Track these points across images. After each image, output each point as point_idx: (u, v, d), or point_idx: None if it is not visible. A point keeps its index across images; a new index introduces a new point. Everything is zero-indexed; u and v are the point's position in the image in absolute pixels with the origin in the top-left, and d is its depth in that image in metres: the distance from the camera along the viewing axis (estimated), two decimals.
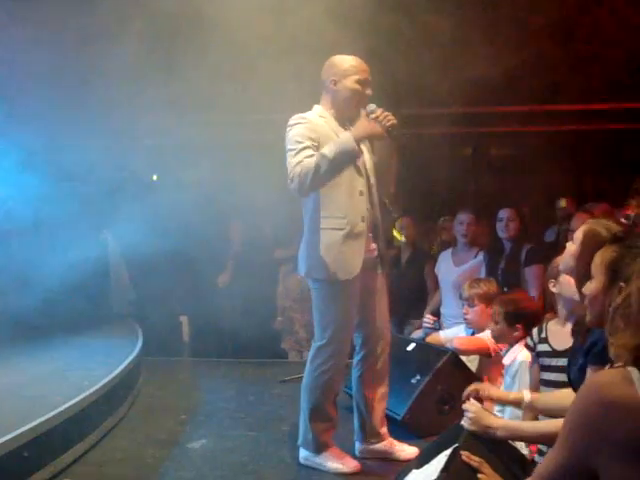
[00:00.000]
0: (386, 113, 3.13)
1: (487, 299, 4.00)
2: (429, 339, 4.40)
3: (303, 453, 3.30)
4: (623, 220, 3.04)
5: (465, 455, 2.24)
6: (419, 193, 7.26)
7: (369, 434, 3.40)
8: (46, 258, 5.05)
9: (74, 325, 5.63)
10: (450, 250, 5.07)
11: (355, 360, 3.42)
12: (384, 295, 3.37)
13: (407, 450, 3.37)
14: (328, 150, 2.98)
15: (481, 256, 4.89)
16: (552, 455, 1.38)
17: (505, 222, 4.72)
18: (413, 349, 4.03)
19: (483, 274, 4.79)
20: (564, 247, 2.85)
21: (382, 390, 3.39)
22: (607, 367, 1.83)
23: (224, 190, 5.62)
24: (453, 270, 4.94)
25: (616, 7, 5.74)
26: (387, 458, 3.37)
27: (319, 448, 3.24)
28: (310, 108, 3.27)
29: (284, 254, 6.21)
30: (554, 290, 2.98)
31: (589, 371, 2.08)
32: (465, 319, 4.09)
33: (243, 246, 6.26)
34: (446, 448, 2.43)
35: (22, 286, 5.14)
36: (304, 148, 3.03)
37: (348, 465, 3.22)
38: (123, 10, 4.51)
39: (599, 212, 4.54)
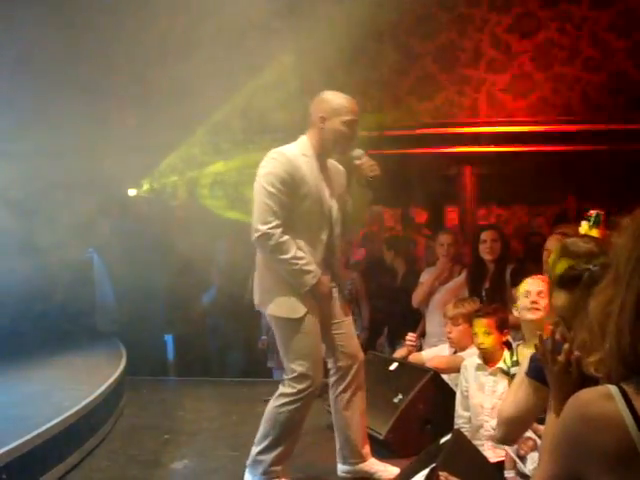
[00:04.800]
0: (371, 162, 3.14)
1: (471, 319, 4.02)
2: (411, 358, 4.42)
3: (249, 477, 3.20)
4: (583, 222, 3.06)
5: (443, 476, 2.25)
6: (403, 213, 7.34)
7: (350, 455, 3.39)
8: (31, 277, 5.03)
9: (58, 344, 5.60)
10: (433, 268, 5.10)
11: (330, 382, 3.43)
12: (347, 317, 3.37)
13: (389, 470, 3.36)
14: (293, 266, 3.03)
15: (464, 274, 4.93)
16: (542, 471, 1.42)
17: (489, 244, 4.75)
18: (395, 368, 4.04)
19: (466, 293, 4.83)
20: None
21: (361, 409, 3.38)
22: None
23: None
24: (437, 288, 4.97)
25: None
26: (369, 479, 3.36)
27: (270, 477, 3.15)
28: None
29: None
30: (515, 314, 3.06)
31: (525, 380, 2.10)
32: (448, 338, 4.11)
33: (228, 265, 6.27)
34: (425, 467, 2.45)
35: (7, 305, 5.12)
36: (277, 202, 3.02)
37: None
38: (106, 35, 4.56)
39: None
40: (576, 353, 1.65)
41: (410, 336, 4.42)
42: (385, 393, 3.86)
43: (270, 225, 3.01)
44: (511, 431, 2.04)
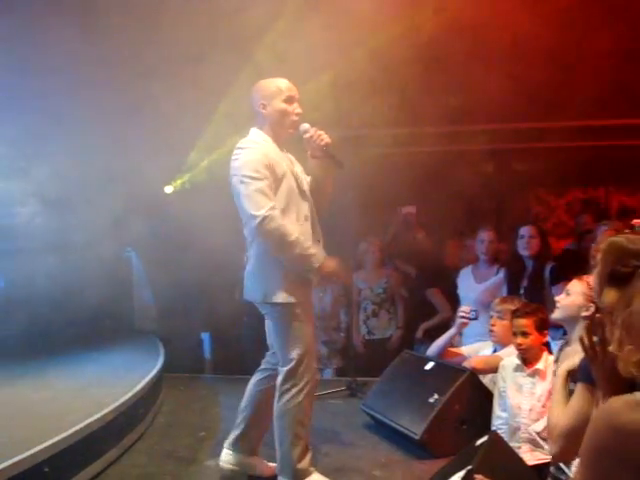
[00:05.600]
0: (320, 132, 3.17)
1: None
2: (450, 351, 4.36)
3: None
4: (627, 231, 3.01)
5: (479, 478, 2.22)
6: (441, 210, 7.25)
7: (247, 447, 3.39)
8: (70, 275, 5.14)
9: (97, 341, 5.72)
10: (470, 267, 5.04)
11: (261, 375, 3.42)
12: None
13: (270, 466, 3.37)
14: (299, 249, 3.03)
15: (502, 273, 4.86)
16: (576, 477, 1.41)
17: (527, 240, 4.67)
18: (431, 368, 4.01)
19: (504, 291, 4.75)
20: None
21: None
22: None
23: None
24: (475, 287, 4.91)
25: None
26: (251, 473, 3.38)
27: (299, 476, 3.15)
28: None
29: None
30: (554, 316, 3.02)
31: (578, 386, 2.04)
32: (491, 330, 4.02)
33: None
34: (460, 469, 2.42)
35: (47, 303, 5.24)
36: (266, 185, 3.03)
37: None
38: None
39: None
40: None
41: (464, 307, 4.27)
42: (420, 393, 3.83)
43: (267, 207, 3.00)
44: (571, 444, 1.84)
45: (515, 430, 3.33)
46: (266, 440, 3.41)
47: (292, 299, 3.11)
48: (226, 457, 3.39)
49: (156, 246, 6.18)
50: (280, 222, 3.01)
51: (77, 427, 3.31)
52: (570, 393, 2.06)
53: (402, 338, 5.71)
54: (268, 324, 3.28)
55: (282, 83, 3.22)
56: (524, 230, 4.70)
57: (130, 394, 4.00)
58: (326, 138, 3.17)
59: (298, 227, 3.13)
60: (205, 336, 6.64)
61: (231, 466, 3.37)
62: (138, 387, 4.18)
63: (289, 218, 3.11)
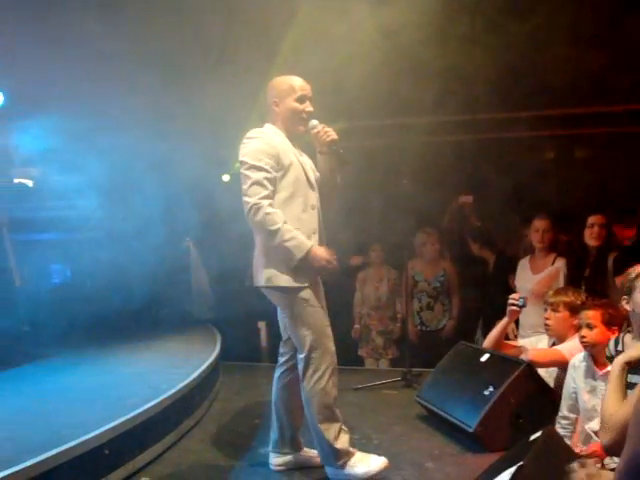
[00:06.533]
0: (327, 129, 3.21)
1: (573, 308, 3.82)
2: (510, 342, 4.27)
3: (330, 471, 3.22)
4: None
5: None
6: (501, 199, 7.09)
7: (289, 445, 3.39)
8: (130, 265, 5.29)
9: (156, 329, 5.88)
10: (528, 257, 4.92)
11: (280, 371, 3.41)
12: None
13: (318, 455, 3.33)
14: (278, 240, 3.02)
15: (559, 263, 4.73)
16: (624, 452, 1.39)
17: (597, 229, 4.53)
18: (487, 360, 3.93)
19: (561, 281, 4.62)
20: None
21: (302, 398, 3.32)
22: None
23: None
24: (531, 277, 4.80)
25: None
26: (305, 467, 3.38)
27: (341, 457, 3.17)
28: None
29: (360, 261, 6.23)
30: (627, 307, 2.88)
31: None
32: (546, 324, 3.92)
33: None
34: (512, 465, 2.38)
35: (108, 292, 5.42)
36: (265, 176, 3.06)
37: (376, 464, 3.18)
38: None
39: None
40: None
41: (514, 295, 4.15)
42: (475, 385, 3.77)
43: (259, 196, 3.04)
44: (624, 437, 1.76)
45: (589, 436, 3.18)
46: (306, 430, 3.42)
47: (296, 283, 3.12)
48: (274, 460, 3.43)
49: (213, 235, 6.29)
50: (267, 211, 3.03)
51: (136, 412, 3.42)
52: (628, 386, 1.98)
53: (455, 329, 5.65)
54: (278, 312, 3.31)
55: (296, 82, 3.26)
56: (594, 218, 4.55)
57: (187, 381, 4.10)
58: (332, 134, 3.22)
59: (303, 215, 3.16)
60: (261, 325, 6.72)
61: (282, 467, 3.42)
62: (195, 374, 4.28)
63: (294, 205, 3.16)
